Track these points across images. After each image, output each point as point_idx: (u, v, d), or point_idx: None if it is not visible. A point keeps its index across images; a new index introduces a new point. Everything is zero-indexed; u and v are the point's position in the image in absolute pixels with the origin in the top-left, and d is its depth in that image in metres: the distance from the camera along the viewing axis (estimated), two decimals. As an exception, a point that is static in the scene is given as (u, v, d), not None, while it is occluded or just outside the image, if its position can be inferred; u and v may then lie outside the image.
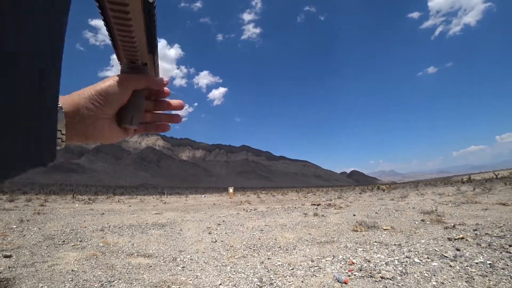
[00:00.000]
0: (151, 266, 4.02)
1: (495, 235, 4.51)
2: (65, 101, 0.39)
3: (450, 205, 9.44)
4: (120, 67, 0.45)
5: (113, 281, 3.35)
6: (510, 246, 3.82)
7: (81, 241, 5.51)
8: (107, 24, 0.34)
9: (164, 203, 19.01)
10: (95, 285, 3.21)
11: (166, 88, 0.51)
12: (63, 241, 5.46)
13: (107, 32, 0.37)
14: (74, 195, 23.86)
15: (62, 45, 0.22)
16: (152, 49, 0.42)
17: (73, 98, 0.40)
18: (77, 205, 15.25)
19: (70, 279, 3.37)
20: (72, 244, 5.24)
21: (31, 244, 5.14)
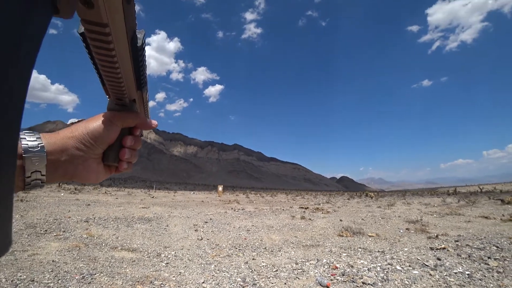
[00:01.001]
0: (134, 261, 3.98)
1: (475, 246, 4.62)
2: (49, 139, 0.37)
3: (435, 215, 9.65)
4: (107, 102, 0.44)
5: (95, 274, 3.30)
6: (489, 258, 3.93)
7: (64, 232, 5.41)
8: (93, 62, 0.33)
9: (152, 197, 18.83)
10: (76, 277, 3.16)
11: (155, 122, 0.50)
12: (46, 231, 5.34)
13: (94, 69, 0.36)
14: (60, 184, 23.36)
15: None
16: (140, 86, 0.41)
17: (60, 137, 0.38)
18: (62, 194, 14.96)
19: (50, 270, 3.31)
20: (55, 234, 5.14)
21: (11, 232, 5.02)
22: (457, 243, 4.97)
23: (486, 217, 8.60)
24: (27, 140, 0.34)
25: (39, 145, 0.34)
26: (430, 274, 3.37)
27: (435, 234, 5.80)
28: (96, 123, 0.42)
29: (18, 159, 0.32)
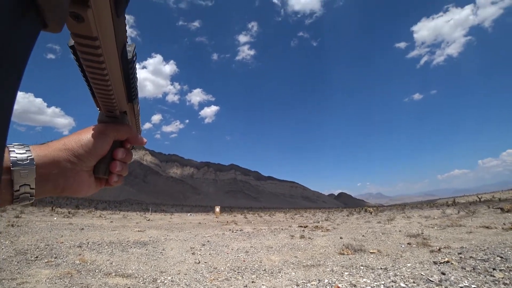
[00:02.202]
0: (129, 287, 3.81)
1: (479, 258, 4.53)
2: (39, 151, 0.36)
3: (435, 228, 9.53)
4: (98, 114, 0.44)
5: (87, 303, 3.14)
6: (494, 269, 3.84)
7: (56, 258, 5.20)
8: (83, 74, 0.33)
9: (148, 220, 18.39)
10: (67, 307, 3.00)
11: (145, 139, 0.50)
12: (36, 257, 5.13)
13: (84, 82, 0.36)
14: (53, 208, 22.77)
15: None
16: (131, 98, 0.41)
17: (52, 149, 0.38)
18: (55, 218, 14.54)
19: (39, 300, 3.14)
20: (46, 261, 4.93)
21: (0, 259, 4.81)
22: (460, 255, 4.87)
23: (487, 227, 8.51)
24: (16, 153, 0.33)
25: (28, 157, 0.33)
26: (436, 290, 3.27)
27: (438, 248, 5.70)
28: (88, 135, 0.41)
29: (5, 171, 0.31)
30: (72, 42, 0.27)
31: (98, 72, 0.31)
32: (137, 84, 0.41)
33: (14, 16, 0.18)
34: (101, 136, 0.42)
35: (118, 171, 0.46)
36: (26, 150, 0.34)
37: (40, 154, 0.35)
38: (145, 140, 0.50)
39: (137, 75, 0.39)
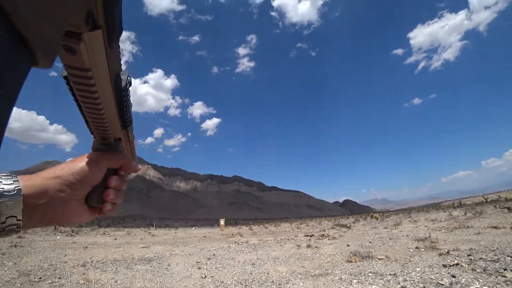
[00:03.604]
0: (135, 305, 3.75)
1: (489, 259, 4.45)
2: (27, 181, 0.35)
3: (443, 230, 9.38)
4: (92, 142, 0.44)
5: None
6: (505, 270, 3.76)
7: (59, 278, 5.13)
8: (77, 103, 0.33)
9: (152, 235, 18.21)
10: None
11: (139, 166, 0.51)
12: (40, 278, 5.07)
13: (78, 110, 0.35)
14: (56, 226, 22.60)
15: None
16: (125, 125, 0.41)
17: (40, 178, 0.37)
18: (58, 237, 14.42)
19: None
20: (50, 282, 4.87)
21: (3, 281, 4.75)
22: (470, 257, 4.79)
23: (495, 227, 8.37)
24: (3, 184, 0.32)
25: (16, 188, 0.32)
26: (447, 294, 3.21)
27: (446, 250, 5.60)
28: (81, 163, 0.41)
29: None
30: (65, 73, 0.28)
31: (91, 102, 0.32)
32: (131, 111, 0.41)
33: (5, 55, 0.18)
34: (94, 165, 0.41)
35: (112, 199, 0.45)
36: (13, 181, 0.33)
37: (28, 184, 0.34)
38: (139, 167, 0.50)
39: (131, 102, 0.39)
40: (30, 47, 0.20)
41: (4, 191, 0.31)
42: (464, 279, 3.64)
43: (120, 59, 0.30)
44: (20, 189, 0.32)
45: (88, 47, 0.23)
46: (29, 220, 0.34)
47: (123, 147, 0.47)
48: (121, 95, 0.34)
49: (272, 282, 4.71)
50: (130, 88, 0.36)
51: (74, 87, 0.29)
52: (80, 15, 0.22)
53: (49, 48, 0.20)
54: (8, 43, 0.19)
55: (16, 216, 0.32)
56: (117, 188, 0.46)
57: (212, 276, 5.36)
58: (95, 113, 0.34)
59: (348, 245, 8.18)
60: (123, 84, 0.33)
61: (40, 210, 0.36)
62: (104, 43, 0.24)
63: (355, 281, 4.23)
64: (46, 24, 0.20)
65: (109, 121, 0.38)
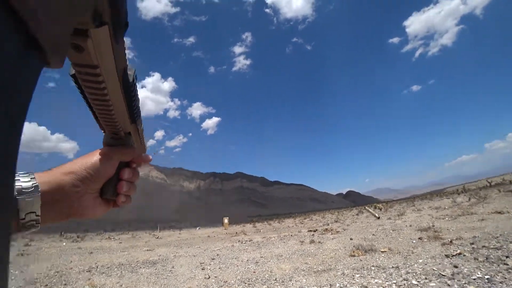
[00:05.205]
0: (139, 310, 3.77)
1: (492, 247, 4.44)
2: (43, 178, 0.36)
3: (446, 218, 9.38)
4: (103, 137, 0.45)
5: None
6: (507, 257, 3.75)
7: (65, 284, 5.16)
8: (86, 100, 0.34)
9: (157, 238, 18.31)
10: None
11: (150, 156, 0.52)
12: (46, 285, 5.10)
13: (88, 107, 0.36)
14: (62, 233, 22.77)
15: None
16: (134, 119, 0.43)
17: (56, 174, 0.38)
18: (64, 243, 14.52)
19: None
20: (55, 291, 4.91)
21: (10, 294, 4.78)
22: (472, 246, 4.78)
23: (499, 212, 8.34)
24: (21, 182, 0.33)
25: (33, 185, 0.34)
26: (448, 285, 3.20)
27: (449, 240, 5.60)
28: (93, 158, 0.42)
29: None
30: (73, 71, 0.28)
31: (100, 98, 0.32)
32: (139, 105, 0.42)
33: (19, 57, 0.18)
34: (106, 159, 0.43)
35: (125, 191, 0.47)
36: (31, 178, 0.34)
37: (44, 181, 0.36)
38: (150, 157, 0.52)
39: (138, 97, 0.40)
40: (41, 47, 0.19)
41: (23, 188, 0.33)
42: (466, 269, 3.63)
43: (125, 54, 0.31)
44: (37, 185, 0.34)
45: (95, 44, 0.24)
46: (47, 215, 0.36)
47: (133, 140, 0.48)
48: (129, 90, 0.35)
49: (276, 280, 4.72)
50: (136, 84, 0.37)
51: (83, 85, 0.29)
52: (87, 13, 0.22)
53: (60, 47, 0.20)
54: (21, 44, 0.19)
55: (35, 212, 0.34)
56: (130, 180, 0.48)
57: (215, 277, 5.38)
58: (105, 108, 0.35)
59: (351, 239, 8.19)
60: (131, 79, 0.34)
61: (57, 205, 0.38)
62: (111, 39, 0.25)
63: (357, 275, 4.24)
64: (56, 23, 0.19)
65: (118, 116, 0.38)
